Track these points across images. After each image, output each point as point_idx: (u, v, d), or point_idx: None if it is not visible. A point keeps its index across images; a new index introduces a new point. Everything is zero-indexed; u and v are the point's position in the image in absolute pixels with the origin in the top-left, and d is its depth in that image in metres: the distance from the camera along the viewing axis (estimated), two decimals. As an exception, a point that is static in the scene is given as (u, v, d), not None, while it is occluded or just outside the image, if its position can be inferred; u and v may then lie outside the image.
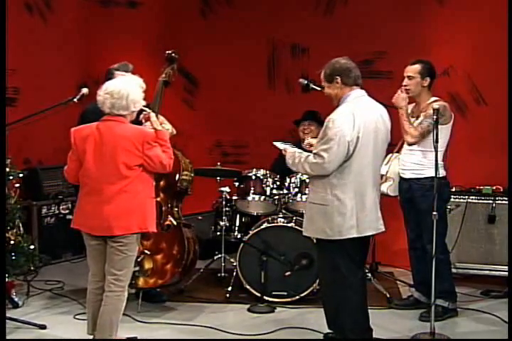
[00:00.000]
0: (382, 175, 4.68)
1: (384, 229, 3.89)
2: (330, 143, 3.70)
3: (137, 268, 4.64)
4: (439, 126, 4.26)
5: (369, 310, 4.03)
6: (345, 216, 3.76)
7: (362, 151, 3.74)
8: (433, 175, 4.32)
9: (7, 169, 4.70)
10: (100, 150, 3.78)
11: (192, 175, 5.00)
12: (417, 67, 4.59)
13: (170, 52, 5.04)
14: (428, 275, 4.65)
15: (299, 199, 5.18)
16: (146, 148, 3.78)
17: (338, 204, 3.76)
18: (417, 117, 4.61)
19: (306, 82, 4.96)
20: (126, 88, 3.83)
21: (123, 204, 3.77)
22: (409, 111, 4.70)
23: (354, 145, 3.70)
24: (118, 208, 3.76)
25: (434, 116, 4.24)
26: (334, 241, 3.81)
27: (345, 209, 3.76)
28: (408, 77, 4.61)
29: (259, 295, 4.89)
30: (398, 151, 4.73)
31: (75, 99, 4.68)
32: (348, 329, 3.90)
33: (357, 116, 3.73)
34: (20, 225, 4.83)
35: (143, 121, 4.34)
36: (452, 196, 5.13)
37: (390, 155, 4.72)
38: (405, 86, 4.62)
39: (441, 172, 4.54)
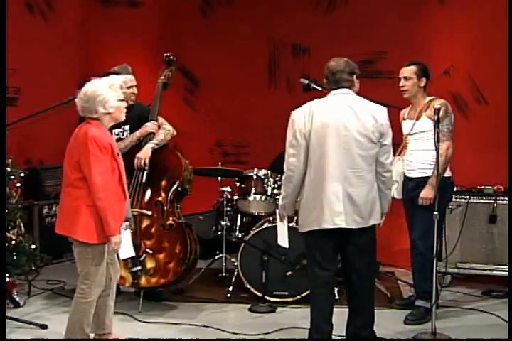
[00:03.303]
0: None
1: (344, 226, 3.73)
2: (288, 139, 3.83)
3: (139, 268, 4.67)
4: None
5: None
6: (307, 208, 3.82)
7: (317, 144, 3.75)
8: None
9: (8, 169, 4.71)
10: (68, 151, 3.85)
11: (192, 175, 5.01)
12: (413, 67, 4.62)
13: (168, 54, 5.07)
14: (415, 271, 4.68)
15: (299, 199, 5.17)
16: (83, 154, 3.71)
17: (304, 198, 3.84)
18: (417, 118, 4.60)
19: (307, 81, 4.96)
20: (93, 90, 3.80)
21: (63, 204, 3.84)
22: (405, 115, 4.75)
23: (309, 137, 3.75)
24: (60, 208, 3.87)
25: (435, 116, 4.25)
26: (305, 234, 3.86)
27: (307, 202, 3.82)
28: (405, 77, 4.63)
29: (260, 294, 4.90)
30: (399, 154, 4.72)
31: (76, 99, 4.68)
32: (313, 325, 3.90)
33: (314, 108, 3.78)
34: (22, 225, 4.83)
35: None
36: (453, 196, 5.14)
37: (392, 158, 4.72)
38: (402, 87, 4.64)
39: (447, 172, 4.55)
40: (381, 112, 3.84)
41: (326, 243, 3.84)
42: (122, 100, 3.90)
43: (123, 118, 3.96)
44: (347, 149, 3.75)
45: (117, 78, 3.96)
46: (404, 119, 4.74)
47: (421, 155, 4.57)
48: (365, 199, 3.79)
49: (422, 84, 4.62)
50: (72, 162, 3.77)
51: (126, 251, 4.20)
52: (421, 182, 4.57)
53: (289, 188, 3.88)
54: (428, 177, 4.53)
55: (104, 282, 3.91)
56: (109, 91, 3.81)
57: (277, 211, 4.24)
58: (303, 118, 3.79)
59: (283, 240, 4.34)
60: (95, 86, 3.82)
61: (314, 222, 3.79)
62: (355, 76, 3.89)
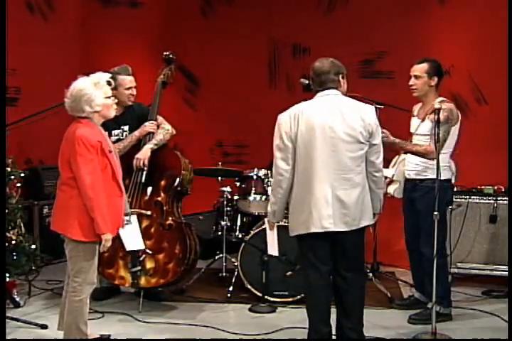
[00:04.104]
0: (387, 178, 4.68)
1: (332, 229, 3.70)
2: (275, 142, 3.80)
3: (139, 268, 4.67)
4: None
5: (370, 310, 4.00)
6: (296, 212, 3.79)
7: (304, 147, 3.73)
8: (434, 177, 4.32)
9: (8, 169, 4.71)
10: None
11: (191, 175, 5.01)
12: (424, 65, 4.49)
13: (168, 53, 5.06)
14: (424, 277, 4.65)
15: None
16: (72, 153, 3.74)
17: (292, 201, 3.81)
18: (423, 120, 4.52)
19: (307, 82, 4.91)
20: (78, 89, 3.79)
21: (57, 202, 3.87)
22: (415, 112, 4.67)
23: (295, 139, 3.73)
24: (55, 205, 3.89)
25: (435, 116, 4.22)
26: (297, 237, 3.85)
27: (295, 206, 3.80)
28: (415, 76, 4.50)
29: (260, 294, 4.90)
30: (405, 153, 4.67)
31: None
32: (311, 327, 3.88)
33: (300, 111, 3.76)
34: (22, 225, 4.84)
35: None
36: (454, 196, 5.14)
37: (397, 157, 4.70)
38: (411, 85, 4.52)
39: (445, 175, 4.46)
40: (368, 111, 3.81)
41: (319, 245, 3.82)
42: (109, 97, 3.88)
43: (112, 115, 3.95)
44: (334, 151, 3.72)
45: (103, 75, 3.91)
46: (413, 116, 4.67)
47: (418, 157, 4.50)
48: (356, 201, 3.75)
49: (433, 83, 4.49)
50: (63, 161, 3.80)
51: (134, 243, 4.20)
52: (416, 184, 4.55)
53: (279, 193, 3.83)
54: (423, 180, 4.48)
55: (95, 280, 3.92)
56: (94, 90, 3.80)
57: (266, 220, 4.21)
58: (289, 120, 3.77)
59: (273, 249, 4.31)
60: (80, 85, 3.81)
61: (302, 226, 3.77)
62: (341, 76, 3.85)
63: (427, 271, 4.40)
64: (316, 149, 3.72)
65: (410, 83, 4.54)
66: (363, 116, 3.76)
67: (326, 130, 3.72)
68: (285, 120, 3.79)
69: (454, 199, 5.15)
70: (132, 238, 4.13)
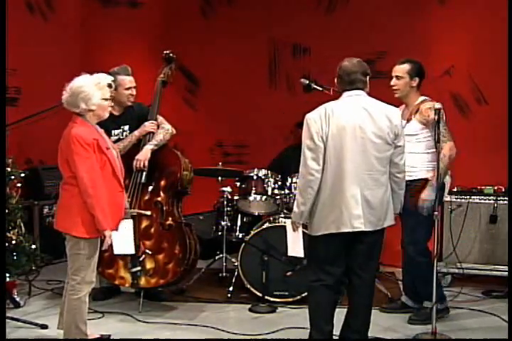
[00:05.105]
0: None
1: (362, 229, 3.72)
2: (305, 142, 3.76)
3: (139, 268, 4.67)
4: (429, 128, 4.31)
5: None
6: (323, 212, 3.76)
7: (334, 147, 3.72)
8: (424, 177, 4.32)
9: (8, 169, 4.72)
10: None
11: (191, 174, 5.01)
12: (406, 66, 4.50)
13: (168, 52, 5.06)
14: (413, 278, 4.65)
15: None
16: (69, 153, 3.77)
17: (320, 201, 3.76)
18: (408, 120, 4.51)
19: (307, 82, 4.92)
20: (78, 86, 3.81)
21: (60, 201, 3.90)
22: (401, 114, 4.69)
23: (326, 140, 3.72)
24: (58, 204, 3.93)
25: (436, 117, 4.21)
26: (312, 237, 3.82)
27: (324, 206, 3.76)
28: (396, 76, 4.52)
29: (260, 295, 4.90)
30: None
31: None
32: (313, 325, 3.89)
33: (330, 111, 3.74)
34: (22, 225, 4.84)
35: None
36: (454, 196, 5.16)
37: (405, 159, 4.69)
38: (393, 86, 4.54)
39: (424, 174, 4.45)
40: (395, 113, 3.84)
41: (335, 246, 3.81)
42: (107, 99, 3.89)
43: (106, 116, 3.97)
44: (363, 151, 3.73)
45: (106, 77, 3.93)
46: None
47: (408, 158, 4.33)
48: (381, 201, 3.78)
49: (415, 84, 4.50)
50: (63, 161, 3.83)
51: (124, 247, 4.19)
52: (407, 185, 4.53)
53: (309, 194, 3.75)
54: (413, 181, 4.45)
55: (93, 279, 3.94)
56: (93, 89, 3.82)
57: (288, 221, 4.16)
58: (319, 120, 3.74)
59: (298, 250, 4.27)
60: (81, 81, 3.84)
61: (332, 225, 3.74)
62: (368, 77, 3.87)
63: (414, 272, 4.46)
64: (346, 149, 3.72)
65: (392, 83, 4.55)
66: (390, 117, 3.79)
67: (357, 130, 3.73)
68: (315, 120, 3.75)
69: (454, 200, 5.18)
70: (123, 242, 4.11)
